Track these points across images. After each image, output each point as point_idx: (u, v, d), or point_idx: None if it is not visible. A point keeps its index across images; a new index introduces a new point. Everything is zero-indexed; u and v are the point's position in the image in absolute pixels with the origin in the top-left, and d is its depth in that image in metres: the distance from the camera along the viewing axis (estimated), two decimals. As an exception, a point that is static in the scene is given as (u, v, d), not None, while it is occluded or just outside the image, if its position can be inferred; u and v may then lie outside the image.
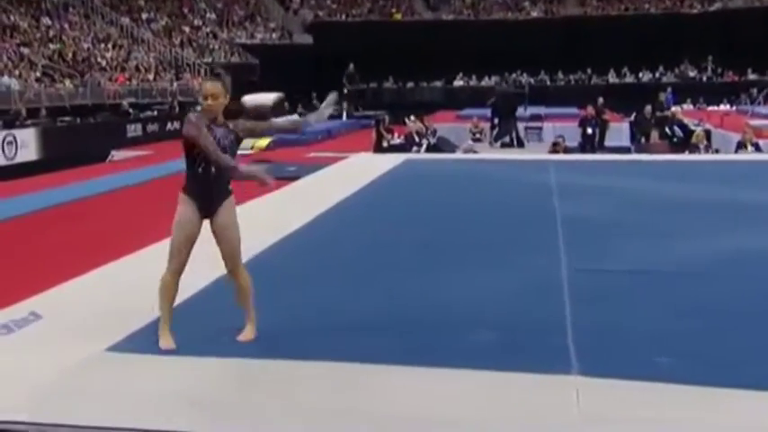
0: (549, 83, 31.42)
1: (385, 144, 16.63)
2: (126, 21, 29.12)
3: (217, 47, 31.45)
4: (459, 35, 31.26)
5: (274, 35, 33.88)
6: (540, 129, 19.43)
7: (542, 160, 13.09)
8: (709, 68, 30.89)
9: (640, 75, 31.23)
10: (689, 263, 5.72)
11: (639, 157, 14.68)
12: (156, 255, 4.59)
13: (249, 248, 5.22)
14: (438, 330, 4.28)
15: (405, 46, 30.29)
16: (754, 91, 26.42)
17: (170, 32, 30.84)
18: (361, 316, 4.58)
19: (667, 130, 16.78)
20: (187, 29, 31.99)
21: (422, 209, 8.29)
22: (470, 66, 31.06)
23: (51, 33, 25.16)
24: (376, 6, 35.91)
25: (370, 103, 29.15)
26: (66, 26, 26.38)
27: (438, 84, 32.02)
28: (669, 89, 25.25)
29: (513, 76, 30.51)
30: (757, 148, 13.82)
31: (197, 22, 33.07)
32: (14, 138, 16.15)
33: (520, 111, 19.78)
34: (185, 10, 33.39)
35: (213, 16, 34.03)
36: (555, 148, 15.53)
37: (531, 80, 30.33)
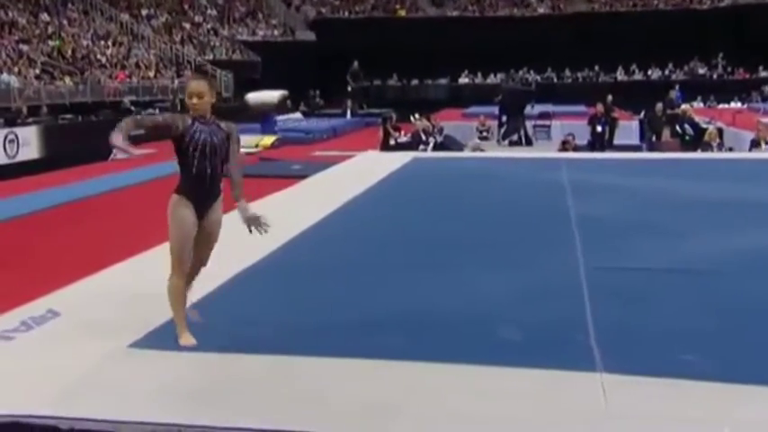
0: (556, 80, 31.19)
1: (392, 142, 16.56)
2: (125, 17, 28.87)
3: (218, 44, 31.18)
4: (465, 32, 30.99)
5: (276, 32, 33.64)
6: (549, 127, 19.36)
7: (553, 158, 13.00)
8: (720, 65, 30.56)
9: (649, 72, 30.95)
10: (707, 261, 5.73)
11: (652, 155, 14.57)
12: (163, 253, 4.56)
13: (263, 246, 5.45)
14: (460, 328, 4.32)
15: (409, 43, 30.10)
16: (766, 89, 26.10)
17: (170, 29, 30.55)
18: (380, 313, 4.57)
19: (678, 128, 16.57)
20: (188, 25, 31.72)
21: (434, 207, 8.25)
22: (476, 63, 30.84)
23: (50, 30, 24.89)
24: (380, 2, 35.68)
25: (374, 100, 28.93)
26: (65, 22, 26.13)
27: (443, 81, 31.84)
28: (676, 87, 25.00)
29: (520, 73, 30.21)
30: (772, 146, 13.57)
31: (197, 18, 32.81)
32: (16, 136, 16.02)
33: (527, 108, 19.66)
34: (185, 6, 33.14)
35: (214, 12, 33.75)
36: (565, 146, 15.44)
37: (538, 77, 30.07)
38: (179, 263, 3.96)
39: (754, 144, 13.73)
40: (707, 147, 14.83)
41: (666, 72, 30.78)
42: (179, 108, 23.65)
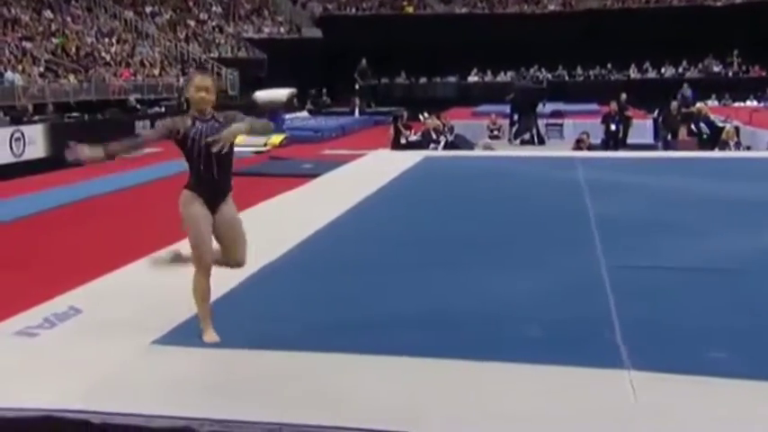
0: (567, 78, 30.80)
1: (403, 141, 16.34)
2: (130, 14, 28.65)
3: (223, 41, 30.91)
4: (474, 29, 30.62)
5: (282, 29, 33.35)
6: (561, 125, 19.13)
7: (568, 157, 12.82)
8: (735, 63, 30.11)
9: (663, 70, 30.54)
10: (730, 260, 5.69)
11: (668, 154, 14.41)
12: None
13: (279, 243, 6.02)
14: (485, 326, 4.31)
15: (417, 40, 29.77)
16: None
17: (175, 26, 30.30)
18: (404, 311, 4.58)
19: (694, 126, 16.29)
20: (192, 23, 31.46)
21: (449, 207, 8.23)
22: (485, 61, 30.52)
23: (54, 27, 24.64)
24: (387, -1, 35.31)
25: (382, 99, 28.62)
26: (69, 20, 25.88)
27: (452, 79, 31.58)
28: (685, 85, 24.62)
29: (531, 71, 29.83)
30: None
31: (203, 15, 32.57)
32: (22, 134, 15.80)
33: (539, 107, 19.37)
34: (190, 3, 32.92)
35: (219, 10, 33.50)
36: (579, 144, 15.18)
37: (549, 75, 29.66)
38: (199, 258, 3.99)
39: (773, 143, 13.49)
40: (724, 145, 14.63)
41: (680, 70, 30.38)
42: (185, 106, 23.42)
